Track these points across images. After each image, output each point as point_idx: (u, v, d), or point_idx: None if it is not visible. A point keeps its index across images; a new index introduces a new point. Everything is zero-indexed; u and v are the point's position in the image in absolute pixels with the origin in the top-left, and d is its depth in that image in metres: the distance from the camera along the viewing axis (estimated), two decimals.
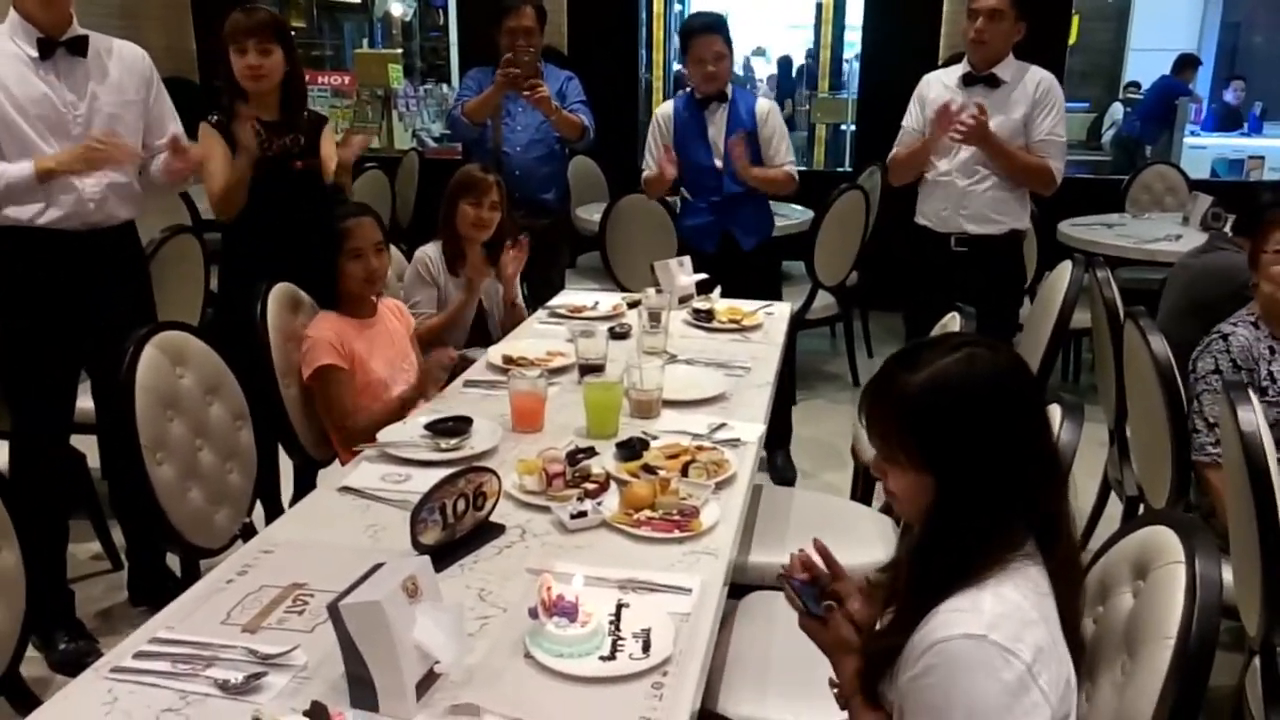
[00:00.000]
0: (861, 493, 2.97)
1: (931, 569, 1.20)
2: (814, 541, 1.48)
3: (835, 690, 1.37)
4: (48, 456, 2.64)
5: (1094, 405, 3.41)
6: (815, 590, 1.42)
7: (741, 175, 3.57)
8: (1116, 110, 8.90)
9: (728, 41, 3.61)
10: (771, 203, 3.95)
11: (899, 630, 1.20)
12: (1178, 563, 1.24)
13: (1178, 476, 2.35)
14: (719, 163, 3.66)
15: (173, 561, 2.70)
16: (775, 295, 3.66)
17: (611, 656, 1.37)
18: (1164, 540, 1.29)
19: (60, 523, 2.69)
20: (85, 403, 2.79)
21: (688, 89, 3.78)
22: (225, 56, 2.99)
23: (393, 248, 3.06)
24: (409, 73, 7.57)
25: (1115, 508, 3.01)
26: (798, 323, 4.23)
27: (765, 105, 3.71)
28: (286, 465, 2.66)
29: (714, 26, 3.61)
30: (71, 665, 2.52)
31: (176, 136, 2.66)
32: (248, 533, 2.28)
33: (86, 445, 3.02)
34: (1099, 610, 1.39)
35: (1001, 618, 1.11)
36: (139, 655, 1.36)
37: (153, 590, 2.85)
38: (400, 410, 2.48)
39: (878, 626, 1.33)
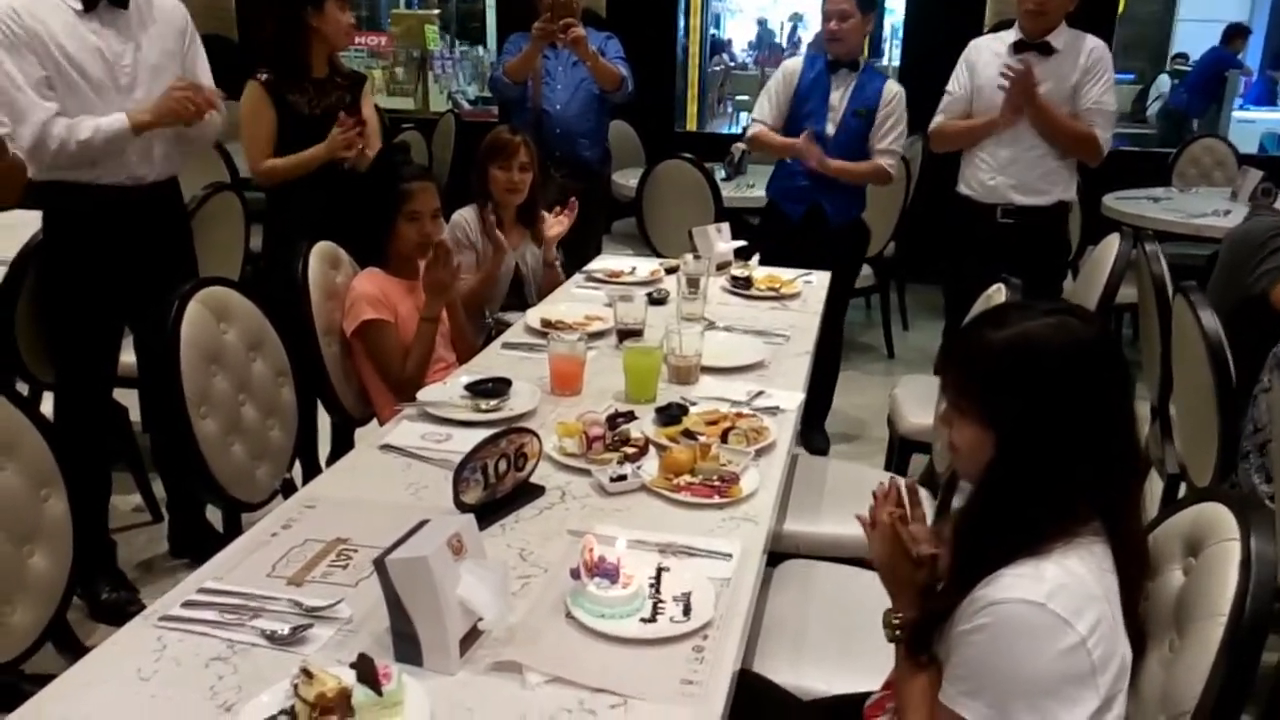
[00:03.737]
0: (896, 464, 2.96)
1: (985, 533, 1.19)
2: (906, 483, 1.48)
3: (896, 621, 1.36)
4: (91, 409, 2.67)
5: (1136, 381, 3.37)
6: None
7: (819, 168, 3.42)
8: (1163, 82, 8.72)
9: (861, 3, 3.37)
10: None
11: (959, 587, 1.19)
12: (1232, 540, 1.22)
13: (1224, 455, 2.32)
14: (832, 130, 3.50)
15: (212, 515, 2.74)
16: (847, 266, 3.58)
17: (652, 619, 1.37)
18: (1218, 517, 1.27)
19: (103, 474, 2.73)
20: (127, 357, 2.82)
21: (821, 51, 3.59)
22: (299, 11, 2.96)
23: None
24: (445, 34, 7.54)
25: (1155, 485, 2.97)
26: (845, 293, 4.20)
27: (894, 88, 3.51)
28: (323, 423, 2.68)
29: None
30: (113, 614, 2.57)
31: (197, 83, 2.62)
32: (288, 489, 2.31)
33: (128, 399, 3.05)
34: (1149, 586, 1.37)
35: (1062, 588, 1.11)
36: (187, 604, 1.38)
37: (193, 543, 2.89)
38: (429, 336, 2.51)
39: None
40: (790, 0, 10.89)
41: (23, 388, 2.84)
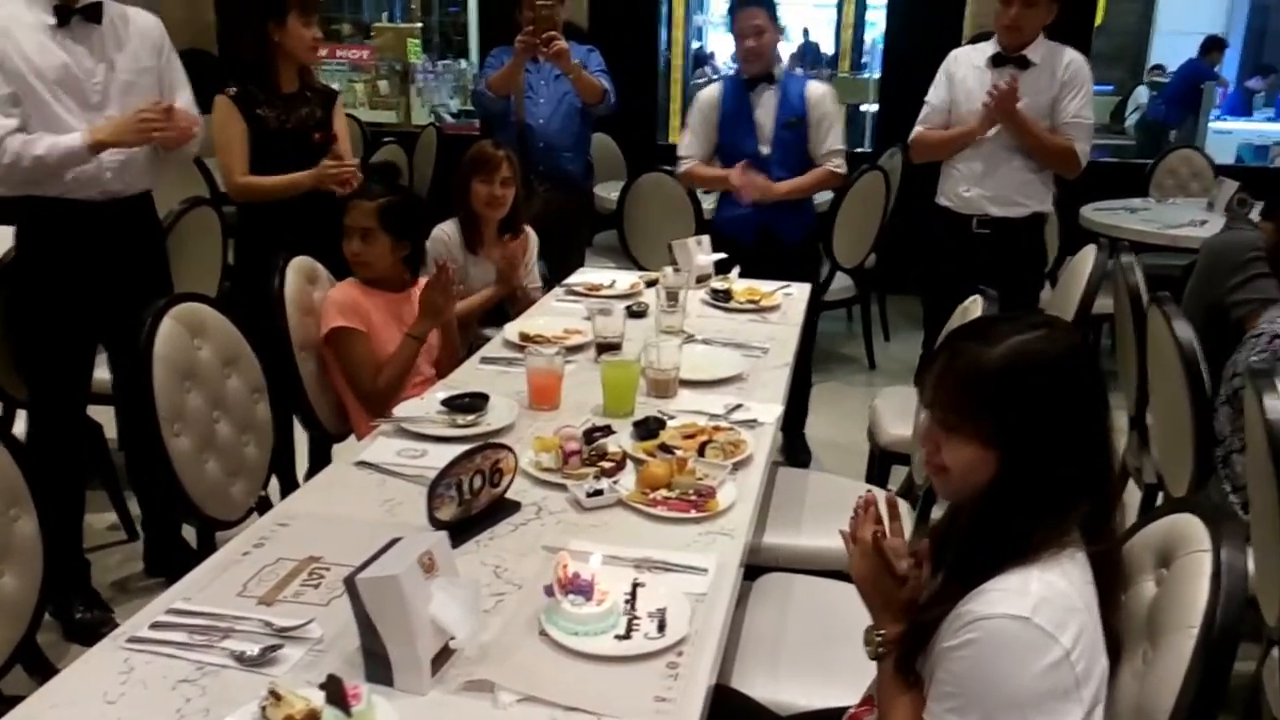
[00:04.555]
0: (877, 475, 2.96)
1: (982, 545, 1.19)
2: (886, 498, 1.47)
3: (878, 639, 1.35)
4: (64, 427, 2.65)
5: (1114, 391, 3.38)
6: None
7: (766, 198, 3.37)
8: (1141, 93, 8.80)
9: (773, 16, 3.41)
10: None
11: (943, 601, 1.19)
12: (1203, 551, 1.22)
13: (1199, 465, 2.33)
14: (765, 150, 3.47)
15: (188, 533, 2.71)
16: (814, 281, 3.53)
17: (627, 635, 1.36)
18: (1189, 528, 1.27)
19: (77, 492, 2.70)
20: (103, 373, 2.80)
21: (734, 71, 3.58)
22: (263, 25, 2.95)
23: None
24: (428, 48, 7.53)
25: (1133, 495, 2.98)
26: (815, 304, 4.20)
27: (819, 89, 3.50)
28: (301, 439, 2.67)
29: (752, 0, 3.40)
30: (86, 634, 2.54)
31: (172, 107, 2.57)
32: (263, 506, 2.28)
33: (104, 416, 3.03)
34: (1122, 598, 1.37)
35: (1046, 601, 1.11)
36: (155, 626, 1.36)
37: (168, 561, 2.86)
38: (410, 353, 2.51)
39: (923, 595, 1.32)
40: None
41: None
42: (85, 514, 2.79)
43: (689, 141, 3.57)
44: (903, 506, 2.39)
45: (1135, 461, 2.93)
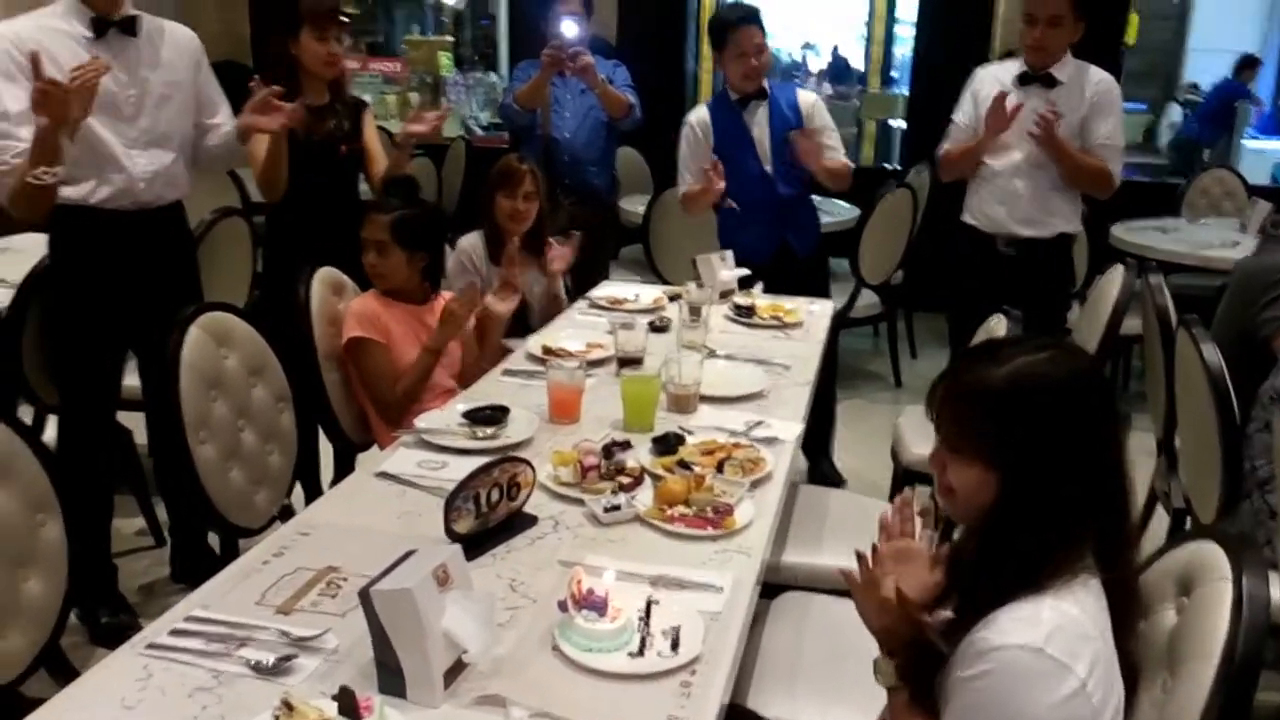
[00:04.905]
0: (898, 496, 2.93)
1: (991, 574, 1.18)
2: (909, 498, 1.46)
3: (890, 669, 1.34)
4: (93, 432, 2.68)
5: (1142, 414, 3.35)
6: None
7: (816, 167, 3.32)
8: (1174, 112, 8.73)
9: (763, 30, 3.38)
10: (816, 199, 3.86)
11: (955, 629, 1.18)
12: (1224, 580, 1.21)
13: (1227, 491, 2.30)
14: (769, 167, 3.43)
15: (214, 540, 2.74)
16: (825, 294, 3.53)
17: (640, 653, 1.36)
18: (1211, 556, 1.26)
19: (105, 498, 2.74)
20: (133, 380, 2.84)
21: (720, 91, 3.55)
22: (282, 39, 3.00)
23: None
24: (459, 61, 7.60)
25: (1161, 520, 2.95)
26: (841, 321, 4.19)
27: (809, 97, 3.52)
28: (326, 447, 2.69)
29: (753, 17, 3.35)
30: (112, 638, 2.55)
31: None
32: (286, 514, 2.31)
33: (134, 422, 3.07)
34: (1141, 626, 1.35)
35: (1059, 630, 1.10)
36: (174, 633, 1.37)
37: (194, 568, 2.89)
38: (427, 366, 2.54)
39: (934, 615, 1.31)
40: (802, 28, 10.95)
41: (28, 410, 2.87)
42: (113, 519, 2.82)
43: (682, 172, 3.50)
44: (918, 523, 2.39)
45: (1163, 485, 2.90)
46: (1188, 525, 2.67)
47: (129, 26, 2.49)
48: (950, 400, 1.24)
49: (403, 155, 3.18)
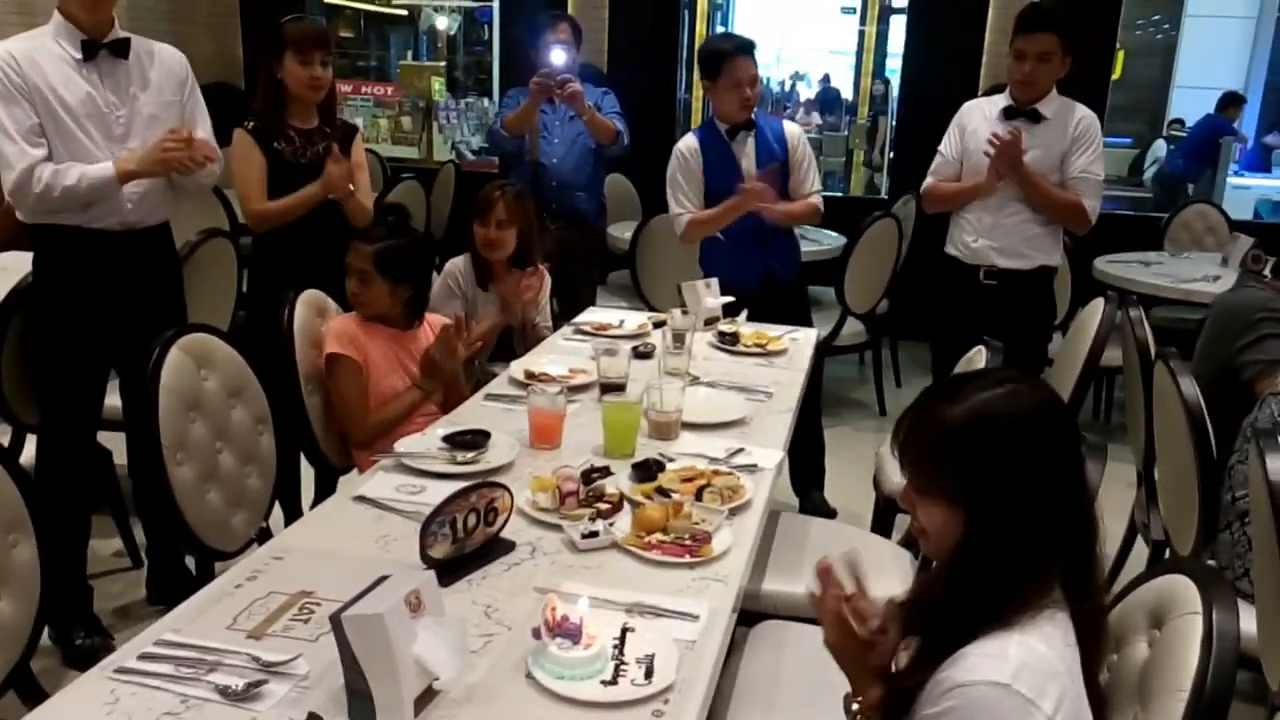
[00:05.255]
0: (882, 525, 2.94)
1: (958, 608, 1.18)
2: (842, 557, 1.43)
3: (855, 707, 1.34)
4: (72, 452, 2.67)
5: (1123, 445, 3.36)
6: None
7: (768, 216, 3.35)
8: (1159, 147, 8.82)
9: (756, 64, 3.43)
10: (802, 228, 3.86)
11: (922, 667, 1.18)
12: (1194, 614, 1.21)
13: (1205, 523, 2.31)
14: None
15: (191, 562, 2.72)
16: (807, 319, 3.56)
17: (613, 681, 1.35)
18: (1181, 590, 1.26)
19: (82, 518, 2.72)
20: (114, 400, 2.82)
21: (707, 120, 3.58)
22: (269, 62, 3.03)
23: None
24: (451, 86, 7.64)
25: (1141, 551, 2.95)
26: (826, 349, 4.20)
27: (795, 130, 3.56)
28: (308, 469, 2.68)
29: (748, 48, 3.38)
30: (86, 661, 2.52)
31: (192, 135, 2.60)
32: (264, 537, 2.29)
33: (114, 442, 3.05)
34: (1113, 658, 1.36)
35: (1026, 667, 1.10)
36: (143, 657, 1.36)
37: (170, 589, 2.86)
38: (410, 402, 2.54)
39: (898, 658, 1.31)
40: (791, 59, 11.07)
41: (5, 430, 2.85)
42: (91, 539, 2.80)
43: (682, 199, 3.50)
44: (891, 558, 2.39)
45: (1143, 517, 2.91)
46: (1166, 556, 2.67)
47: (119, 49, 2.51)
48: (911, 440, 1.24)
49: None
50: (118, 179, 2.47)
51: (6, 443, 2.80)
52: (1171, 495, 2.61)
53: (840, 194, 3.69)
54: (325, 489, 2.63)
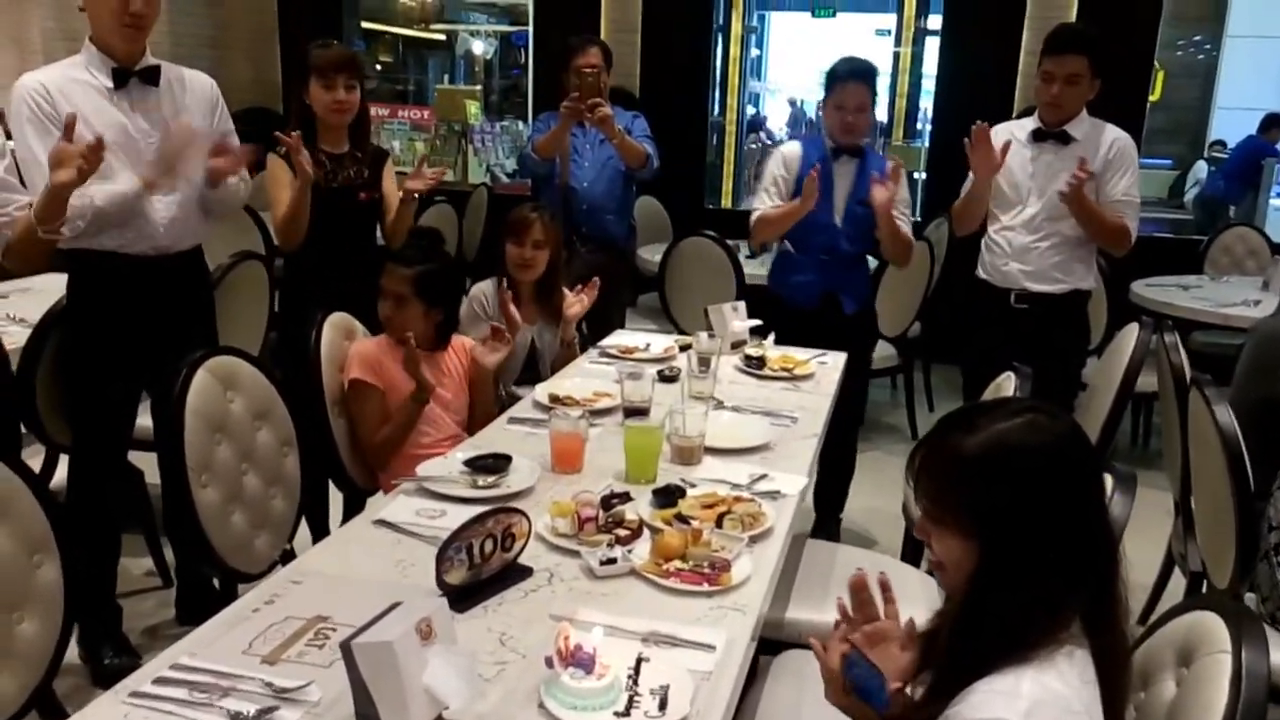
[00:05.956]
0: (911, 552, 2.89)
1: (970, 643, 1.15)
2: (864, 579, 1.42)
3: None
4: (103, 472, 2.70)
5: (1162, 472, 3.29)
6: (879, 678, 1.32)
7: (883, 214, 3.26)
8: (1200, 169, 8.69)
9: (873, 93, 3.39)
10: None
11: (933, 701, 1.15)
12: (1224, 653, 1.18)
13: (1243, 554, 2.25)
14: (839, 220, 3.41)
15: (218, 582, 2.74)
16: (865, 352, 3.46)
17: (626, 713, 1.33)
18: (1211, 627, 1.22)
19: (112, 538, 2.75)
20: (146, 420, 2.86)
21: (818, 134, 3.55)
22: (299, 87, 3.08)
23: None
24: (487, 109, 7.72)
25: (1179, 582, 2.88)
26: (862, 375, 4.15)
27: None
28: (337, 491, 2.69)
29: (861, 74, 3.35)
30: (113, 680, 2.50)
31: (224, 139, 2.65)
32: (288, 559, 2.30)
33: (146, 462, 3.08)
34: (1140, 697, 1.32)
35: (1039, 705, 1.06)
36: (158, 681, 1.37)
37: (199, 609, 2.86)
38: (408, 416, 2.57)
39: (915, 691, 1.28)
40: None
41: (39, 450, 2.90)
42: (123, 559, 2.83)
43: (762, 194, 3.50)
44: (920, 586, 2.35)
45: (1180, 548, 2.84)
46: (1204, 589, 2.61)
47: (150, 76, 2.55)
48: (925, 471, 1.22)
49: (406, 209, 3.20)
50: (144, 188, 2.48)
51: (39, 465, 2.85)
52: (1209, 525, 2.55)
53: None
54: (354, 512, 2.64)
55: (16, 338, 2.83)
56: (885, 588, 1.42)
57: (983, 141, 3.18)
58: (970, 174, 3.40)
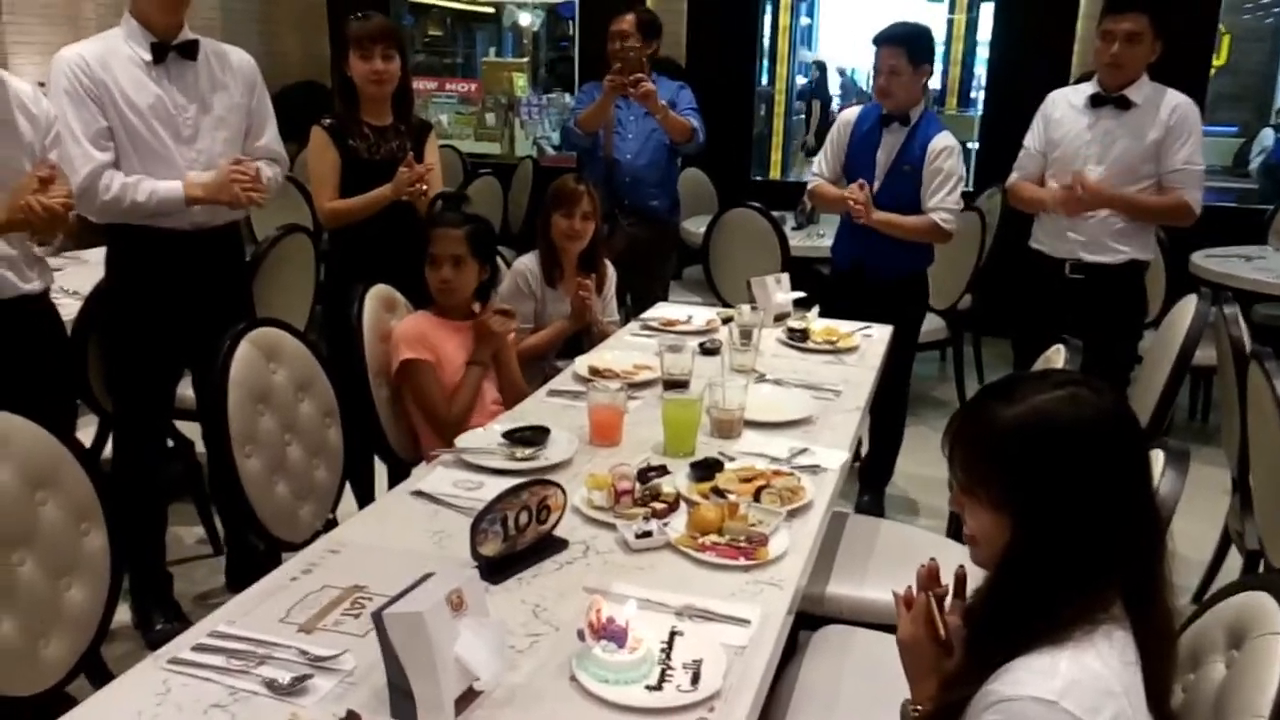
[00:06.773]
0: (956, 529, 2.85)
1: (1000, 620, 1.12)
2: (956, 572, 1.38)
3: (914, 714, 1.29)
4: (147, 443, 2.75)
5: (1219, 448, 3.20)
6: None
7: (858, 219, 3.25)
8: (1267, 136, 8.37)
9: (913, 57, 3.25)
10: None
11: (969, 680, 1.12)
12: (1275, 634, 1.13)
13: None
14: (878, 185, 3.35)
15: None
16: (899, 320, 3.30)
17: (658, 686, 1.32)
18: (1263, 607, 1.18)
19: (158, 508, 2.80)
20: (191, 392, 2.90)
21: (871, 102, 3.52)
22: (342, 60, 3.08)
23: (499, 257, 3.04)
24: (535, 82, 7.70)
25: (1235, 561, 2.81)
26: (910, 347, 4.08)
27: (941, 143, 3.30)
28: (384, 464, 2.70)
29: (894, 38, 3.26)
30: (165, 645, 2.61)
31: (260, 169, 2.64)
32: (331, 529, 2.32)
33: (195, 431, 3.13)
34: (1190, 678, 1.28)
35: (1076, 684, 1.03)
36: (197, 648, 1.39)
37: (249, 576, 2.91)
38: (475, 380, 2.57)
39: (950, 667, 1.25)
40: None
41: (91, 421, 2.95)
42: (174, 527, 2.88)
43: (822, 161, 3.55)
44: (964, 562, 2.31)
45: (1237, 525, 2.76)
46: (1261, 568, 2.53)
47: (188, 51, 2.56)
48: (961, 441, 1.18)
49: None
50: (185, 201, 2.53)
51: (91, 435, 2.91)
52: (1267, 503, 2.47)
53: (947, 226, 3.58)
54: (398, 480, 2.65)
55: (69, 309, 2.89)
56: (960, 580, 1.36)
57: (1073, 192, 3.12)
58: (1026, 148, 3.33)
